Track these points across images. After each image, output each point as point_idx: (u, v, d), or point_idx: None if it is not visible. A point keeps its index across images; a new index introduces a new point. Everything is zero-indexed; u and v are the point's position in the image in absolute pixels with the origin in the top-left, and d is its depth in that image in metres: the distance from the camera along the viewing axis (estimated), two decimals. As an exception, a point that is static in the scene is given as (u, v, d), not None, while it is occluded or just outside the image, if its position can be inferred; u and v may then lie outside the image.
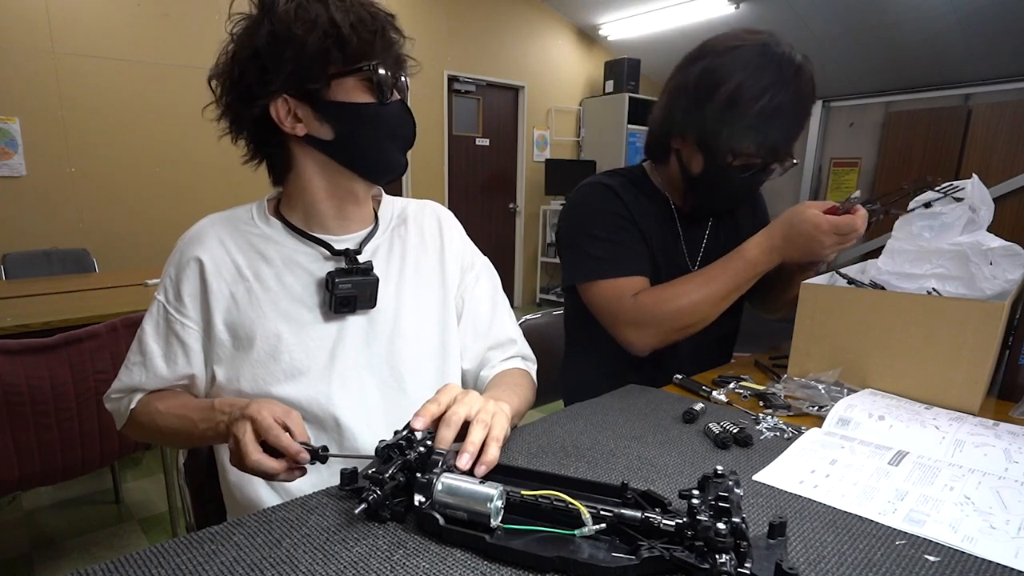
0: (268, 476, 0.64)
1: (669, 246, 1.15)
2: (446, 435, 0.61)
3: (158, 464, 2.36)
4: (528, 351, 0.99)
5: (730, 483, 0.52)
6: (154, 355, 0.81)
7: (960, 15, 3.87)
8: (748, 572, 0.46)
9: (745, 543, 0.48)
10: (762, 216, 1.26)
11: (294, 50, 0.73)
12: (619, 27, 5.27)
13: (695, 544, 0.48)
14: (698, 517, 0.48)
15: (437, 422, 0.63)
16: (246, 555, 0.52)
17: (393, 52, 0.79)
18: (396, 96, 0.80)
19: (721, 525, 0.47)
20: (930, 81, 4.58)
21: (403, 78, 0.81)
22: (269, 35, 0.74)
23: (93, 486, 2.29)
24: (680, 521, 0.50)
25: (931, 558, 0.54)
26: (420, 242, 0.91)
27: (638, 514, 0.52)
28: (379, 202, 0.94)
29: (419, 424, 0.61)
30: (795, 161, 1.01)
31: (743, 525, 0.48)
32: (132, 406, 0.82)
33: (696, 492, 0.52)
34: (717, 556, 0.47)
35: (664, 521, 0.51)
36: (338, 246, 0.83)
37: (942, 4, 3.83)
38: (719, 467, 0.55)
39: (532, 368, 0.99)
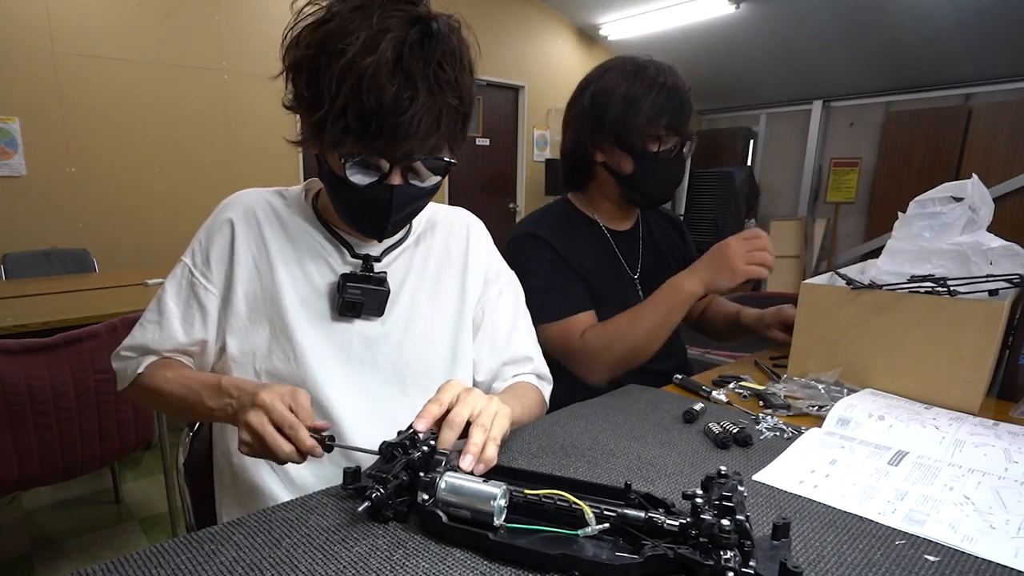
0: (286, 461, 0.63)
1: (611, 265, 1.24)
2: (449, 437, 0.61)
3: (158, 464, 2.36)
4: (545, 370, 0.98)
5: (733, 483, 0.52)
6: (172, 316, 0.81)
7: (960, 15, 3.87)
8: (752, 571, 0.46)
9: (749, 542, 0.48)
10: (688, 249, 1.40)
11: (299, 101, 0.72)
12: (619, 27, 5.26)
13: (699, 542, 0.48)
14: (702, 516, 0.48)
15: (439, 422, 0.63)
16: (246, 555, 0.52)
17: (392, 152, 0.68)
18: (392, 181, 0.71)
19: (725, 522, 0.47)
20: (930, 81, 4.58)
21: (415, 165, 0.72)
22: (296, 83, 0.72)
23: (93, 486, 2.29)
24: (684, 521, 0.50)
25: (931, 558, 0.54)
26: (445, 250, 0.91)
27: (641, 514, 0.52)
28: None
29: (421, 426, 0.61)
30: (695, 138, 1.16)
31: (747, 524, 0.48)
32: (140, 370, 0.81)
33: (700, 492, 0.52)
34: (721, 553, 0.47)
35: (668, 521, 0.51)
36: (361, 250, 0.83)
37: (942, 4, 3.83)
38: (722, 467, 0.55)
39: (546, 388, 0.96)
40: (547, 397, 0.95)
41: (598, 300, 1.18)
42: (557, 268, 1.16)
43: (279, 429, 0.62)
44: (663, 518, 0.51)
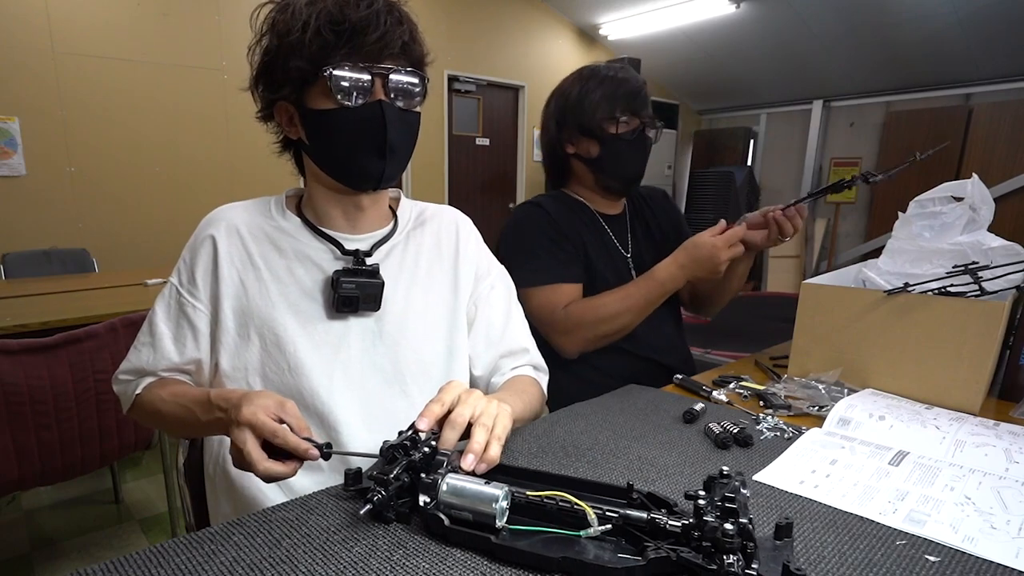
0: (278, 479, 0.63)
1: (605, 246, 1.31)
2: (450, 437, 0.61)
3: (158, 464, 2.36)
4: (540, 361, 0.98)
5: (736, 484, 0.52)
6: (163, 336, 0.81)
7: (960, 15, 3.87)
8: (755, 573, 0.46)
9: (752, 544, 0.47)
10: (675, 214, 1.46)
11: (276, 58, 0.76)
12: (619, 27, 5.26)
13: (702, 545, 0.48)
14: (705, 518, 0.48)
15: (441, 422, 0.63)
16: (246, 555, 0.52)
17: (367, 49, 0.73)
18: (376, 97, 0.75)
19: (728, 526, 0.47)
20: (930, 81, 4.58)
21: (392, 76, 0.75)
22: (267, 45, 0.77)
23: (93, 486, 2.29)
24: (686, 522, 0.50)
25: (931, 558, 0.54)
26: (435, 247, 0.91)
27: (644, 515, 0.52)
28: (398, 203, 0.93)
29: (423, 425, 0.61)
30: (661, 124, 1.27)
31: (750, 526, 0.48)
32: (138, 391, 0.81)
33: (702, 493, 0.52)
34: (724, 557, 0.46)
35: (670, 522, 0.51)
36: (350, 246, 0.83)
37: (942, 4, 3.83)
38: (725, 468, 0.55)
39: (543, 379, 0.97)
40: (544, 387, 0.96)
41: (595, 278, 1.24)
42: (553, 237, 1.23)
43: (267, 443, 0.61)
44: (665, 519, 0.51)
